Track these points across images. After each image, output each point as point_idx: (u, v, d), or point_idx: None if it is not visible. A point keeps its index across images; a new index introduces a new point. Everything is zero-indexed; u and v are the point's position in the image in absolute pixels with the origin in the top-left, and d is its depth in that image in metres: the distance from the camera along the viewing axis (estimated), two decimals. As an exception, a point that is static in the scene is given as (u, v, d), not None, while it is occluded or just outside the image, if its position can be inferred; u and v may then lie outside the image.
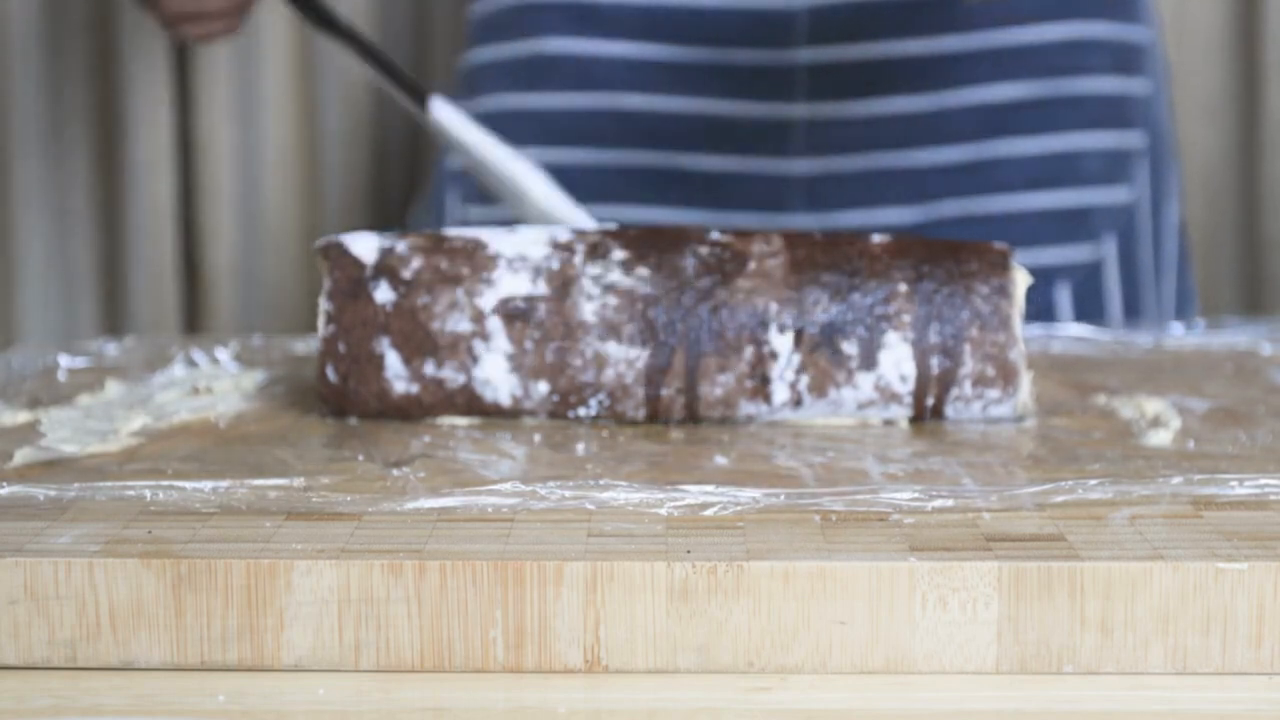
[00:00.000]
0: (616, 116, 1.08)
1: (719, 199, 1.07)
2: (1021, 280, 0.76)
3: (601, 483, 0.64)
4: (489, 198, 1.09)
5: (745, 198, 1.07)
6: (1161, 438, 0.73)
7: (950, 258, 0.76)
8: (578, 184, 1.05)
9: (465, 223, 1.11)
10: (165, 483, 0.64)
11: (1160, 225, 1.11)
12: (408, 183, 1.40)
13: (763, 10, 1.04)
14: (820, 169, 1.06)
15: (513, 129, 1.08)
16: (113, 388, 0.82)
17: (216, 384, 0.83)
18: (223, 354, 0.90)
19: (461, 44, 1.16)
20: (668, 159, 1.07)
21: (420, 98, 0.93)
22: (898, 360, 0.75)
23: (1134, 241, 1.10)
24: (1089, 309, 1.07)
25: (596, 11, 1.08)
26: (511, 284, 0.76)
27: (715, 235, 0.77)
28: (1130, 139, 1.09)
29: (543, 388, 0.75)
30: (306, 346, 0.93)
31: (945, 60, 1.06)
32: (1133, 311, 1.10)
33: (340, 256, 0.77)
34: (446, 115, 0.92)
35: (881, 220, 1.05)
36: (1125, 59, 1.09)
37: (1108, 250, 1.08)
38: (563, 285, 0.75)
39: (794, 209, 1.06)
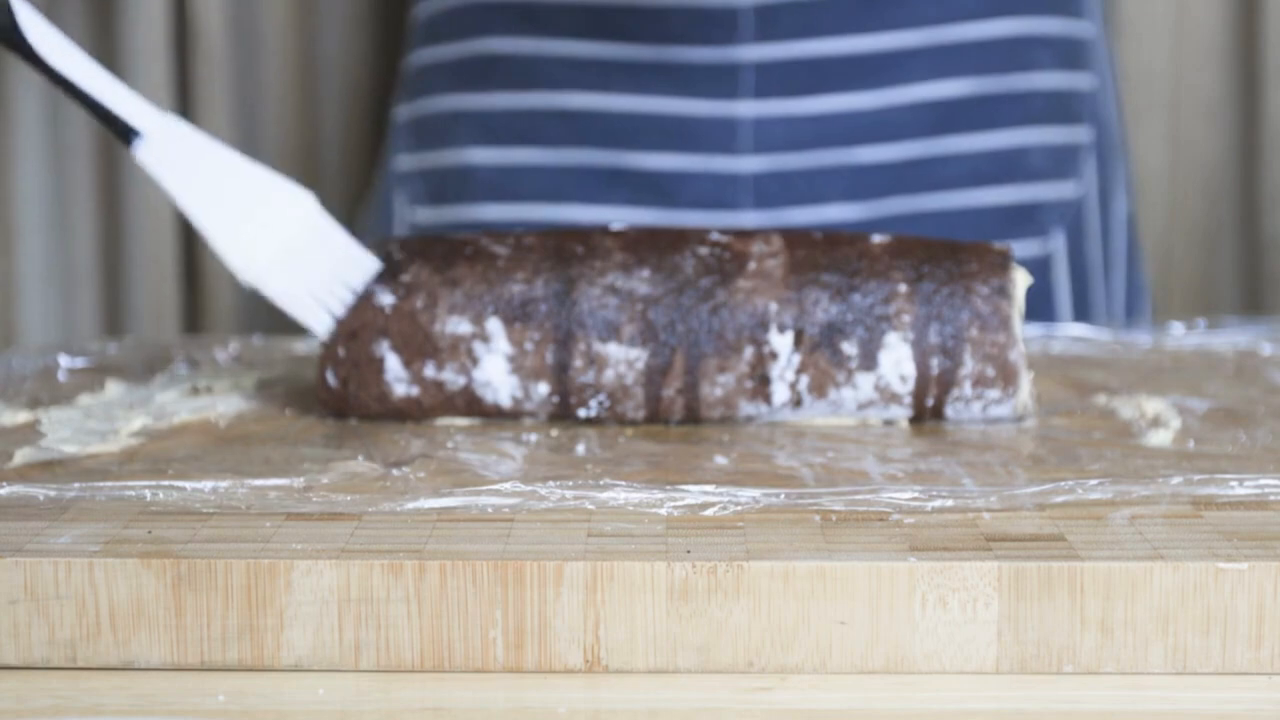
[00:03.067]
0: (562, 116, 1.08)
1: (666, 197, 1.06)
2: (1021, 280, 0.76)
3: (601, 483, 0.64)
4: (438, 199, 1.09)
5: (693, 196, 1.06)
6: (1161, 438, 0.73)
7: (950, 258, 0.76)
8: (524, 184, 1.05)
9: (414, 225, 1.11)
10: (165, 483, 0.64)
11: (1108, 220, 1.11)
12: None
13: (708, 8, 1.04)
14: (767, 166, 1.05)
15: (458, 130, 1.08)
16: (113, 388, 0.82)
17: (216, 384, 0.83)
18: (223, 354, 0.90)
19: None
20: (614, 158, 1.07)
21: (127, 138, 0.77)
22: (897, 360, 0.75)
23: (1082, 237, 1.09)
24: (1038, 305, 1.07)
25: (540, 10, 1.07)
26: (511, 285, 0.76)
27: (715, 235, 0.77)
28: (1077, 134, 1.09)
29: (543, 389, 0.75)
30: (306, 347, 0.93)
31: (890, 57, 1.06)
32: (1082, 307, 1.10)
33: (340, 257, 0.77)
34: (149, 162, 0.77)
35: (828, 218, 1.05)
36: (1070, 54, 1.09)
37: (1056, 246, 1.08)
38: (563, 286, 0.75)
39: (741, 207, 1.05)
